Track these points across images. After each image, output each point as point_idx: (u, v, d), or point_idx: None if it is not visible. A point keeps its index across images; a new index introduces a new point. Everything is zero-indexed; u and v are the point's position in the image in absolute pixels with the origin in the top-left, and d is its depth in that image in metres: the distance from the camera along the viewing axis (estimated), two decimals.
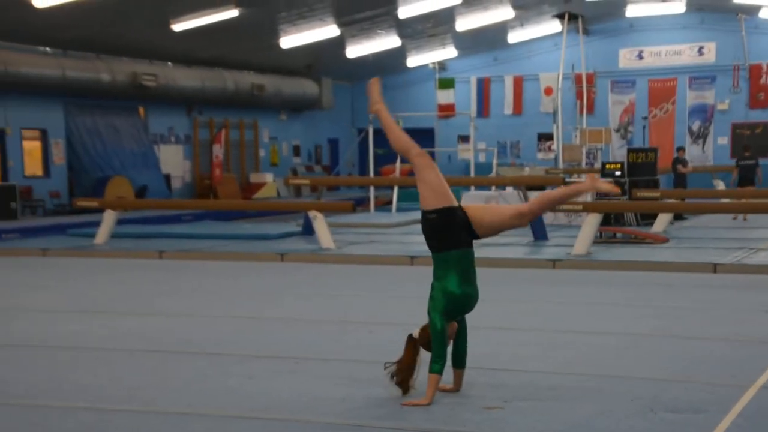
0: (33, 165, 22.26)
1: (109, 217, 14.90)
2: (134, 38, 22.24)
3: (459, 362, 5.49)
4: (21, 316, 8.55)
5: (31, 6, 17.95)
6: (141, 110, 25.34)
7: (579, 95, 25.83)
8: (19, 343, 7.24)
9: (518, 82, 31.51)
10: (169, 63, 24.80)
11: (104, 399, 5.46)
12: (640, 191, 15.78)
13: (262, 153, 29.80)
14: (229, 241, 15.18)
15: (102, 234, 14.80)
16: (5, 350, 6.97)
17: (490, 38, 29.92)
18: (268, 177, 28.55)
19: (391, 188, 22.56)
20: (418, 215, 20.86)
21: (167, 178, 25.54)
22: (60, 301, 9.52)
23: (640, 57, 30.19)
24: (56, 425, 4.94)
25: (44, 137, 22.38)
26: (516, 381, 5.77)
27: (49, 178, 22.41)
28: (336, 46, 26.58)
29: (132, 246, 14.42)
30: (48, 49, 21.74)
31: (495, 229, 5.54)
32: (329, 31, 24.34)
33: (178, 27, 21.41)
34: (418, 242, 14.79)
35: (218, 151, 26.81)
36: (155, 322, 8.12)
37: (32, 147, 22.29)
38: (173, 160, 26.30)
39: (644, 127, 27.48)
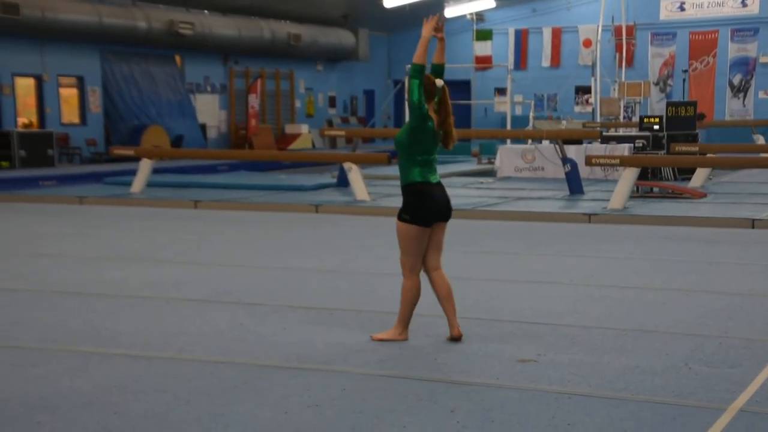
0: (70, 112, 22.43)
1: (145, 166, 15.00)
2: None
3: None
4: (58, 263, 8.66)
5: None
6: (177, 59, 25.35)
7: (618, 48, 25.38)
8: (57, 289, 7.34)
9: (557, 34, 31.06)
10: (206, 11, 24.72)
11: (140, 346, 5.52)
12: (679, 145, 15.58)
13: (297, 104, 29.75)
14: (264, 191, 15.23)
15: (138, 183, 14.91)
16: (43, 296, 7.07)
17: None
18: (304, 128, 28.52)
19: None
20: (452, 168, 20.75)
21: (203, 127, 25.61)
22: (97, 248, 9.62)
23: (682, 8, 29.57)
24: (95, 371, 5.01)
25: (81, 84, 22.51)
26: (551, 335, 5.75)
27: (85, 126, 22.58)
28: None
29: (168, 195, 14.52)
30: None
31: None
32: None
33: None
34: (453, 195, 14.69)
35: (254, 101, 26.79)
36: (190, 271, 8.18)
37: (69, 94, 22.44)
38: (209, 110, 26.36)
39: (684, 81, 27.01)
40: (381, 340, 5.55)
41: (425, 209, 5.52)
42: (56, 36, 20.98)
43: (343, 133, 21.30)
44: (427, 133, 5.51)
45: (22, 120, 21.28)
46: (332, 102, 31.67)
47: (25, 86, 21.45)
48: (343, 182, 15.14)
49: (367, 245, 9.84)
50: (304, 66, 29.56)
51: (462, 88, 32.03)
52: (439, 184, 5.62)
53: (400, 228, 5.59)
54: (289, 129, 28.45)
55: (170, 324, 6.10)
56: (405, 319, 5.59)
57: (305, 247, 9.79)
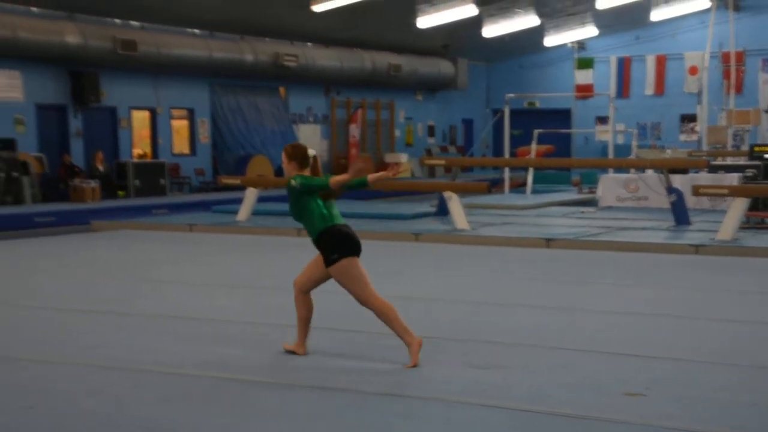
0: (180, 143, 23.19)
1: (250, 195, 15.36)
2: (276, 19, 22.78)
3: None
4: (169, 288, 8.94)
5: None
6: (281, 90, 25.94)
7: (726, 74, 24.86)
8: (168, 314, 7.57)
9: (661, 62, 30.57)
10: (309, 44, 25.25)
11: (251, 371, 5.65)
12: None
13: (397, 133, 30.01)
14: (365, 220, 15.37)
15: (244, 211, 15.28)
16: (156, 321, 7.32)
17: (632, 16, 29.11)
18: (403, 157, 28.73)
19: (526, 170, 22.33)
20: (553, 197, 20.55)
21: None
22: (206, 275, 9.89)
23: None
24: (206, 396, 5.16)
25: (191, 116, 23.25)
26: (659, 368, 5.65)
27: (195, 156, 23.29)
28: (473, 25, 26.40)
29: (272, 223, 14.82)
30: (196, 30, 22.52)
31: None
32: (467, 10, 24.17)
33: (318, 8, 21.77)
34: (553, 224, 14.63)
35: (354, 130, 27.15)
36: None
37: (180, 126, 23.21)
38: (311, 140, 26.82)
39: None
40: (415, 365, 5.66)
41: (349, 240, 5.78)
42: (169, 70, 21.76)
43: (442, 162, 21.37)
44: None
45: (137, 151, 22.12)
46: (431, 131, 31.82)
47: (141, 119, 22.30)
48: (442, 211, 15.18)
49: (467, 274, 9.85)
50: (403, 96, 29.82)
51: (562, 116, 31.80)
52: (345, 225, 5.90)
53: (338, 270, 5.79)
54: (389, 158, 28.68)
55: (277, 349, 6.23)
56: (403, 329, 5.79)
57: (404, 275, 9.85)
